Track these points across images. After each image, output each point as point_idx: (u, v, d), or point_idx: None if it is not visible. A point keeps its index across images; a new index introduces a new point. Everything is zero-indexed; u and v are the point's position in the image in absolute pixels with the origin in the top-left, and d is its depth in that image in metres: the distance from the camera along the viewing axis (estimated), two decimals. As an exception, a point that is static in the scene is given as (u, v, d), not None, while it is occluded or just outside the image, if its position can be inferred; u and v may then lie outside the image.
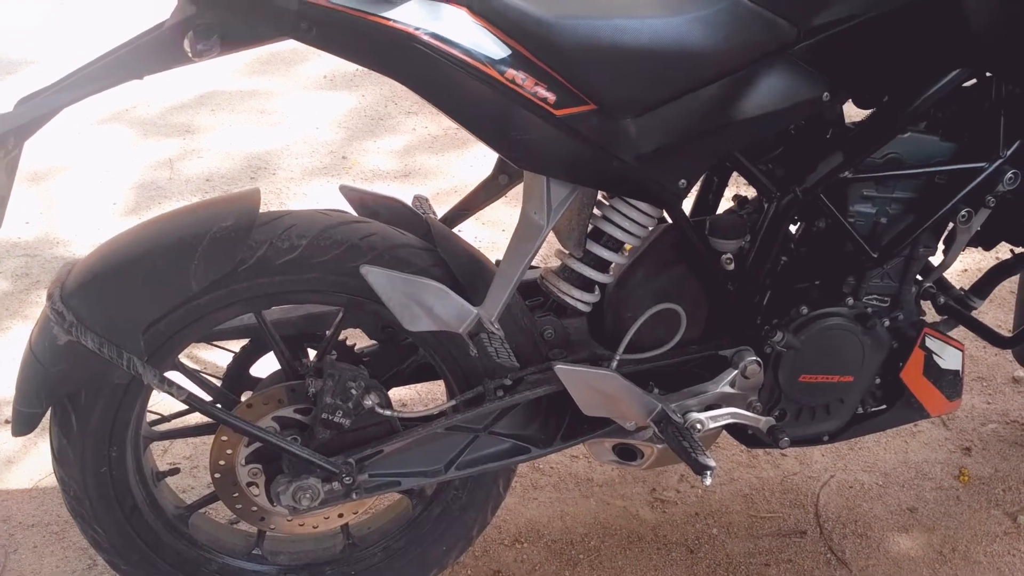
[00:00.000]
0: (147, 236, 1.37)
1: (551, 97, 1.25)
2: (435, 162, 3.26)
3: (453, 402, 1.48)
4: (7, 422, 2.15)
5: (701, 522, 1.93)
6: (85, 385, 1.36)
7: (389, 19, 1.18)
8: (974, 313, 1.73)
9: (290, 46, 4.08)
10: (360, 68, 3.94)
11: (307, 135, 3.41)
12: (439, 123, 3.46)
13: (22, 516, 1.93)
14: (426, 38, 1.19)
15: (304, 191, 3.08)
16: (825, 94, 1.37)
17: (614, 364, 1.45)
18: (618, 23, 1.28)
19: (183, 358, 1.49)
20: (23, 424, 1.37)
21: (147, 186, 3.11)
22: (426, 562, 1.63)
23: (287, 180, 3.14)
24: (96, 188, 3.10)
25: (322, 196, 3.03)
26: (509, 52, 1.23)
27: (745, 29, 1.33)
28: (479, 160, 3.22)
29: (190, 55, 1.16)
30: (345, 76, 3.81)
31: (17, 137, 1.22)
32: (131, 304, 1.32)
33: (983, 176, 1.49)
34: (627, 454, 1.59)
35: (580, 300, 1.49)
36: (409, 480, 1.51)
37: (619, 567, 1.83)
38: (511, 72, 1.23)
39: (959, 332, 1.72)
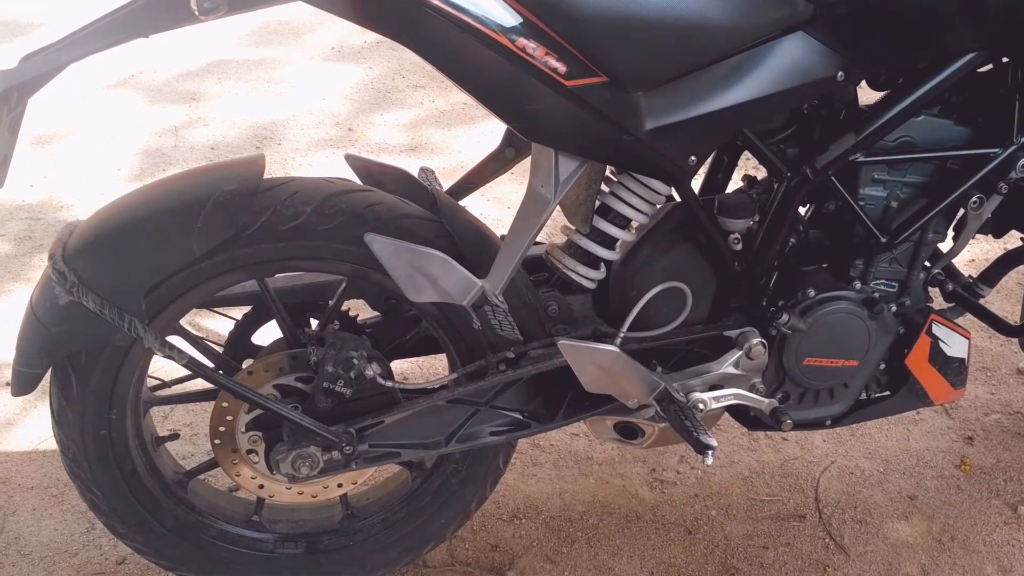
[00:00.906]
0: (150, 198, 1.36)
1: (562, 68, 1.23)
2: (442, 137, 3.24)
3: (455, 375, 1.47)
4: (7, 384, 2.15)
5: (700, 503, 1.92)
6: (86, 346, 1.35)
7: (400, -18, 1.16)
8: (981, 302, 1.72)
9: (298, 15, 4.04)
10: (368, 40, 3.93)
11: (314, 106, 3.39)
12: (447, 98, 3.44)
13: (21, 479, 1.94)
14: (437, 3, 1.17)
15: (309, 162, 3.06)
16: (840, 74, 1.36)
17: (618, 341, 1.44)
18: (632, -6, 1.26)
19: (184, 324, 1.48)
20: (23, 384, 1.37)
21: (152, 152, 3.10)
22: (424, 535, 1.63)
23: (292, 150, 3.13)
24: (101, 153, 3.09)
25: (327, 167, 3.02)
26: (521, 20, 1.21)
27: (761, 5, 1.31)
28: (486, 136, 3.20)
29: (197, 14, 1.14)
30: (353, 48, 3.79)
31: (20, 94, 1.21)
32: (133, 266, 1.31)
33: (996, 162, 1.47)
34: (628, 432, 1.58)
35: (585, 276, 1.48)
36: (409, 452, 1.50)
37: (617, 545, 1.83)
38: (522, 41, 1.21)
39: (965, 320, 1.71)
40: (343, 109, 3.39)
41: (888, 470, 2.02)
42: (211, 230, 1.30)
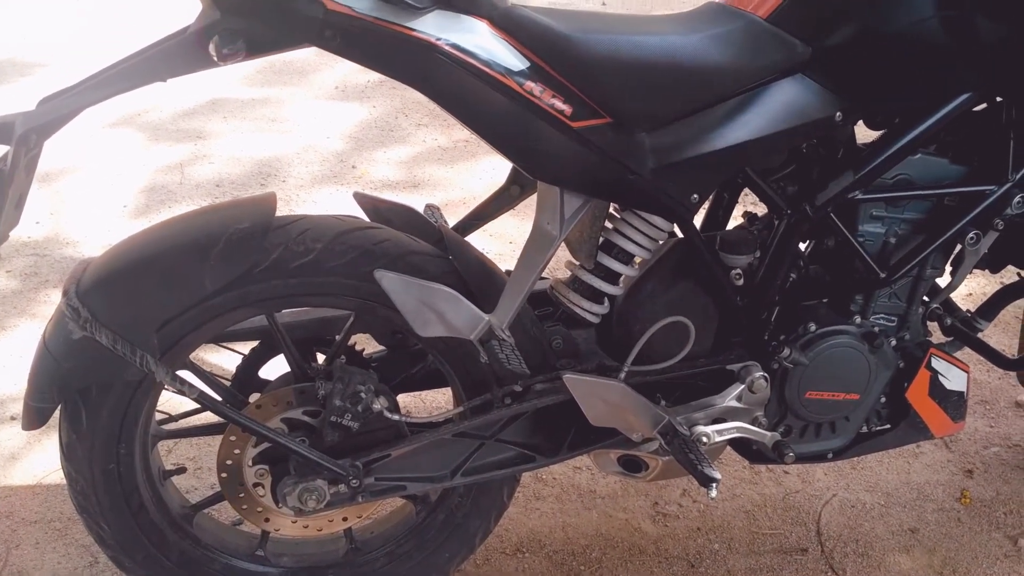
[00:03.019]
0: (164, 236, 1.38)
1: (567, 109, 1.27)
2: (444, 173, 3.28)
3: (461, 408, 1.49)
4: (13, 418, 2.16)
5: (703, 537, 1.93)
6: (97, 381, 1.37)
7: (411, 29, 1.19)
8: (980, 335, 1.74)
9: (303, 55, 4.07)
10: (371, 79, 3.98)
11: (317, 144, 3.43)
12: (449, 135, 3.48)
13: (25, 512, 1.94)
14: (447, 48, 1.20)
15: (313, 199, 3.10)
16: (837, 114, 1.39)
17: (622, 375, 1.46)
18: (636, 39, 1.30)
19: (193, 358, 1.50)
20: (33, 418, 1.38)
21: (157, 190, 3.13)
22: (429, 568, 1.63)
23: (296, 187, 3.16)
24: (107, 190, 3.12)
25: (331, 204, 3.05)
26: (528, 64, 1.25)
27: (759, 48, 1.36)
28: (488, 172, 3.24)
29: (215, 59, 1.17)
30: (356, 87, 3.84)
31: (39, 136, 1.23)
32: (146, 302, 1.33)
33: (992, 199, 1.50)
34: (632, 466, 1.60)
35: (589, 311, 1.50)
36: (415, 485, 1.51)
37: (620, 580, 1.83)
38: (529, 84, 1.25)
39: (964, 354, 1.72)
40: (346, 146, 3.43)
41: (889, 503, 2.03)
42: (223, 267, 1.32)
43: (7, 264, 2.71)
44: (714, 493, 1.39)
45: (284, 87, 3.86)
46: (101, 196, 3.08)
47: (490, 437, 1.52)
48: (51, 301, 2.55)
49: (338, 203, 3.03)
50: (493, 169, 3.23)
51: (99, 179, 3.18)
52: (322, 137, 3.48)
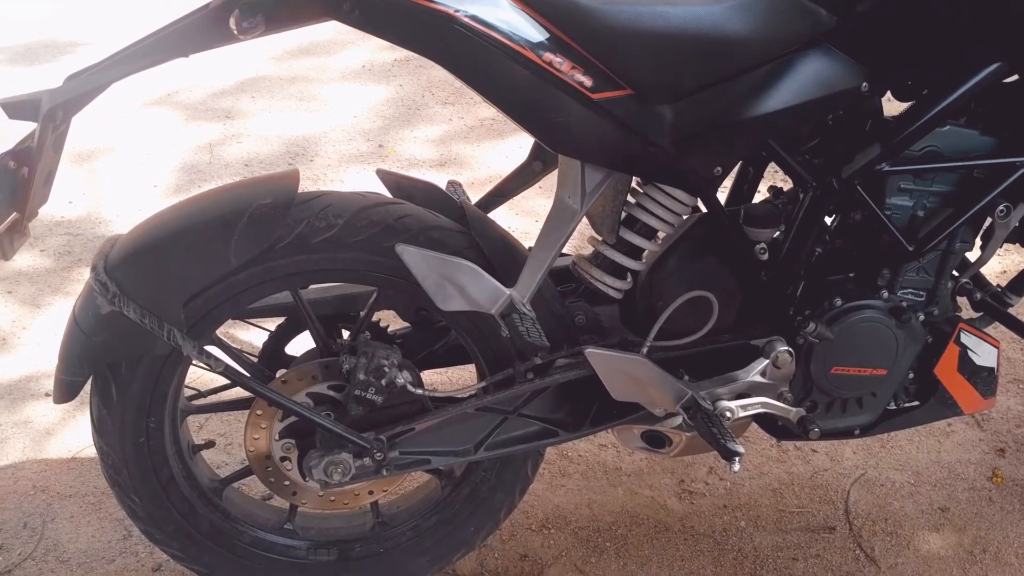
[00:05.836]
0: (189, 212, 1.40)
1: (588, 81, 1.26)
2: (470, 151, 3.28)
3: (484, 383, 1.49)
4: (47, 395, 2.20)
5: (729, 514, 1.92)
6: (126, 355, 1.39)
7: (430, 0, 1.19)
8: (1011, 311, 1.71)
9: (329, 34, 4.09)
10: (398, 57, 3.98)
11: (345, 123, 3.45)
12: (475, 113, 3.48)
13: (60, 487, 1.98)
14: (466, 20, 1.20)
15: (341, 177, 3.11)
16: (864, 84, 1.37)
17: (645, 350, 1.45)
18: (657, 9, 1.29)
19: (221, 335, 1.52)
20: (64, 392, 1.40)
21: (188, 169, 3.16)
22: (454, 542, 1.65)
23: (325, 166, 3.18)
24: (138, 170, 3.16)
25: (359, 183, 3.06)
26: (548, 36, 1.24)
27: (784, 17, 1.33)
28: (514, 150, 3.23)
29: (236, 33, 1.18)
30: (383, 66, 3.84)
31: (65, 112, 1.24)
32: (173, 277, 1.35)
33: (1022, 171, 1.47)
34: (655, 441, 1.59)
35: (612, 286, 1.49)
36: (439, 459, 1.52)
37: (645, 556, 1.83)
38: (549, 56, 1.24)
39: (996, 331, 1.70)
40: (373, 125, 3.44)
41: (919, 482, 2.01)
42: (247, 242, 1.34)
43: (41, 243, 2.76)
44: (737, 467, 1.38)
45: (312, 66, 3.87)
46: (133, 176, 3.12)
47: (513, 412, 1.53)
48: (84, 280, 2.58)
49: (366, 182, 3.04)
50: (519, 147, 3.22)
51: (131, 159, 3.22)
52: (349, 116, 3.49)
